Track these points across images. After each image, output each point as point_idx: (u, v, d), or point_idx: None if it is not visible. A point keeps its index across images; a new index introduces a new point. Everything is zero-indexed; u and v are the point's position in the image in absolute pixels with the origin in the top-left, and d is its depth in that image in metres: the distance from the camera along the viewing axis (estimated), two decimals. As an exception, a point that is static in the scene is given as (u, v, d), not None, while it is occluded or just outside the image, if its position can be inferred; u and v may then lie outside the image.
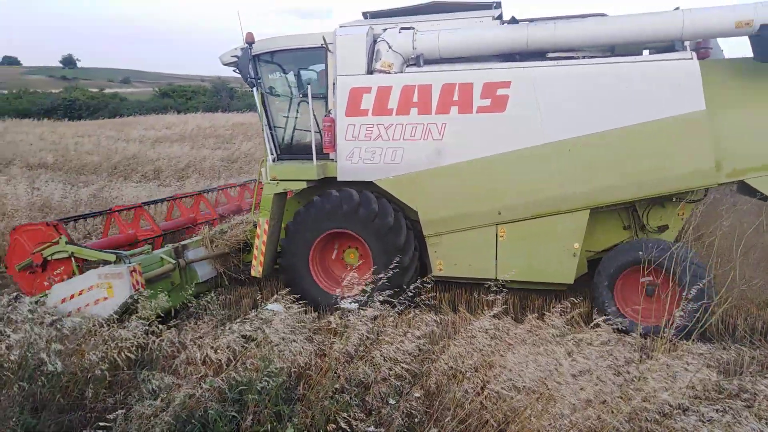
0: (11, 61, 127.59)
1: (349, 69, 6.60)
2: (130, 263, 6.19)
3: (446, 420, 3.89)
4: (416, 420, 3.98)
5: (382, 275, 5.56)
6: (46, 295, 6.10)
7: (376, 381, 4.22)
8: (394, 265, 5.86)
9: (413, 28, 6.60)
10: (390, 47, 6.48)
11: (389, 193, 6.70)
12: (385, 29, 6.70)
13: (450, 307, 6.84)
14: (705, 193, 6.31)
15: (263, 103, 7.28)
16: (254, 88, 7.11)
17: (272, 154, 7.26)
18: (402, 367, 4.22)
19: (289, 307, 5.40)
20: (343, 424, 3.86)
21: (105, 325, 5.25)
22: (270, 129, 7.34)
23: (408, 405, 4.02)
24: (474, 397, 3.95)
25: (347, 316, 4.81)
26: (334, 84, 6.80)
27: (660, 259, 5.74)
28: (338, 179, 6.86)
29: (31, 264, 6.64)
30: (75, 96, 43.14)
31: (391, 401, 4.10)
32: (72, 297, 5.99)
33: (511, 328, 4.49)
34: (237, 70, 7.03)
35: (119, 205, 8.79)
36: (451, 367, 4.23)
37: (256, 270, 7.23)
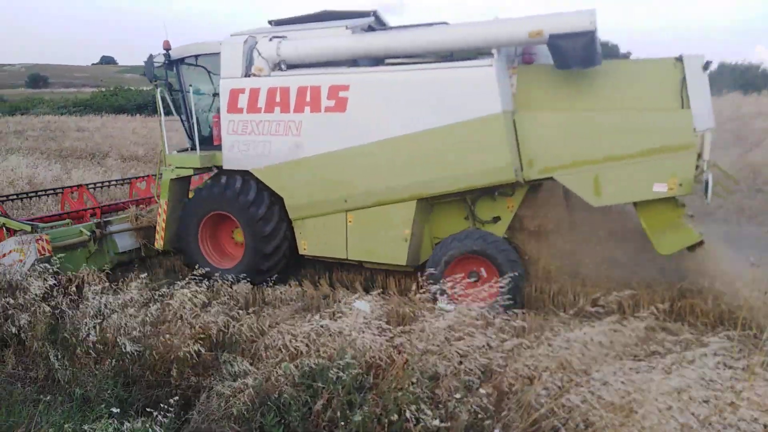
0: (108, 61, 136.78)
1: (230, 72, 7.57)
2: (38, 233, 7.37)
3: (515, 421, 3.84)
4: (480, 417, 3.95)
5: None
6: None
7: (446, 375, 4.23)
8: (258, 238, 7.38)
9: (282, 37, 7.39)
10: (260, 54, 7.37)
11: (262, 180, 7.59)
12: (265, 37, 7.49)
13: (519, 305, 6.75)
14: (513, 189, 6.81)
15: (183, 99, 8.37)
16: (158, 88, 8.23)
17: (188, 145, 8.50)
18: (473, 363, 4.21)
19: (374, 304, 5.46)
20: (409, 415, 3.91)
21: (191, 308, 5.59)
22: (188, 123, 8.42)
23: (476, 401, 4.01)
24: (547, 402, 3.87)
25: (423, 314, 4.86)
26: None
27: (480, 248, 6.51)
28: (223, 168, 7.86)
29: None
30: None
31: (457, 396, 4.10)
32: (4, 256, 7.31)
33: (587, 329, 4.34)
34: (144, 74, 8.19)
35: (69, 188, 10.10)
36: (527, 366, 4.16)
37: (159, 243, 8.37)
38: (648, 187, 5.94)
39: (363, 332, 4.68)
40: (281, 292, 6.95)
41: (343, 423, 4.06)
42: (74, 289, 6.37)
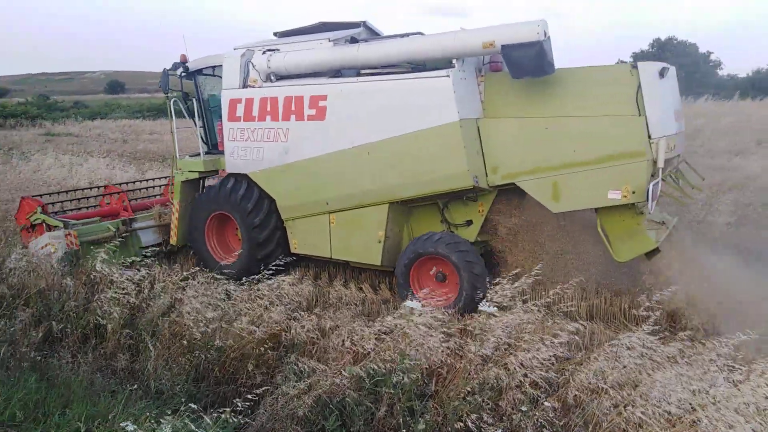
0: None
1: (229, 83, 8.18)
2: (68, 230, 8.27)
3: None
4: (547, 432, 3.84)
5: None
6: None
7: (510, 387, 4.15)
8: (253, 238, 7.93)
9: (274, 51, 7.80)
10: (254, 66, 7.91)
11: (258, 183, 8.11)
12: (260, 50, 7.94)
13: (587, 316, 6.55)
14: (477, 195, 6.96)
15: (199, 108, 9.07)
16: (170, 99, 8.96)
17: (202, 150, 9.06)
18: (538, 375, 4.11)
19: (426, 305, 5.51)
20: (472, 425, 3.86)
21: (258, 308, 5.75)
22: (204, 129, 9.19)
23: (542, 415, 3.91)
24: (615, 417, 3.72)
25: (484, 319, 4.79)
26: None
27: (436, 250, 6.63)
28: (227, 171, 8.46)
29: (26, 226, 9.04)
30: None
31: (523, 408, 4.01)
32: (41, 249, 8.10)
33: (661, 346, 4.14)
34: (160, 86, 9.02)
35: (110, 187, 10.73)
36: (591, 382, 4.02)
37: (173, 240, 9.16)
38: (603, 194, 6.01)
39: (429, 337, 4.65)
40: (345, 296, 7.04)
41: (404, 431, 4.06)
42: (148, 283, 6.68)
